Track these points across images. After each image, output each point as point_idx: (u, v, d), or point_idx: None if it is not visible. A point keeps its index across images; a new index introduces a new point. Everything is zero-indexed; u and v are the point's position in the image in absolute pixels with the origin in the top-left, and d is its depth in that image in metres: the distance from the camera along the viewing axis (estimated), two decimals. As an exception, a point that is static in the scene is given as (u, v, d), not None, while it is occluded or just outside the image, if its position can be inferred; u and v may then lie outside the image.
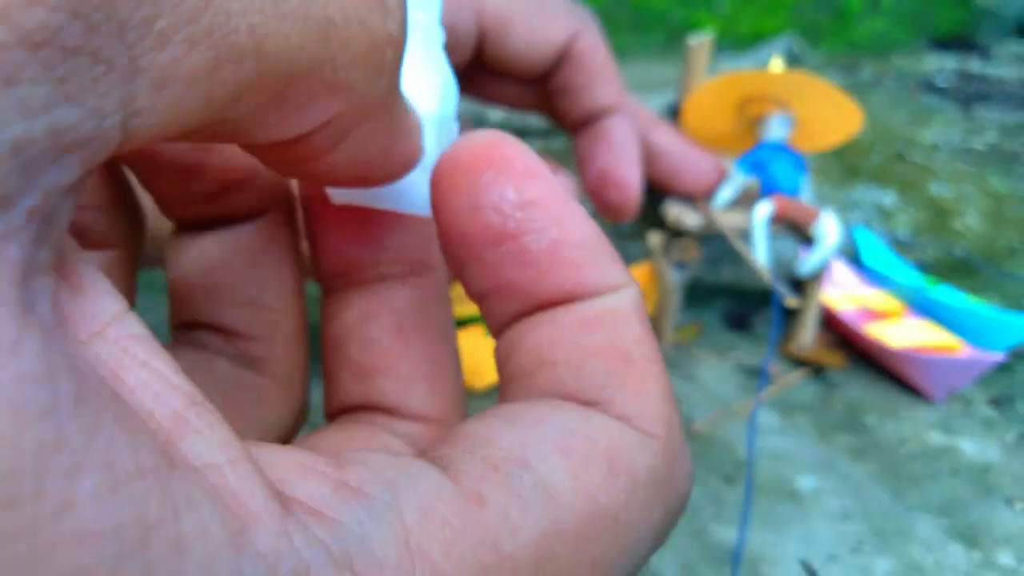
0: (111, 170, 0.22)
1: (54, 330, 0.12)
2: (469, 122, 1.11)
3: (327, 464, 0.17)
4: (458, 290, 1.31)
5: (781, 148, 1.12)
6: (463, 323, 1.23)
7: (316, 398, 0.31)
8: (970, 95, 3.09)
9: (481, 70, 0.55)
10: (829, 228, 1.09)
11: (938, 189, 1.66)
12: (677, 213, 1.13)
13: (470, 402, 1.22)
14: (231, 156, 0.22)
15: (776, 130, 1.11)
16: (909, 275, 1.37)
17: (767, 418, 1.06)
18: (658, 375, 0.21)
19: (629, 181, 0.51)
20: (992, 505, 0.90)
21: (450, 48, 0.30)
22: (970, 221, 1.63)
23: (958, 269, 1.53)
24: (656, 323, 1.21)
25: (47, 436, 0.10)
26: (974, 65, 3.67)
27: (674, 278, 1.17)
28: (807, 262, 1.11)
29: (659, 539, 0.20)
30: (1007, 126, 2.78)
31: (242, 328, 0.23)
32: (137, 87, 0.11)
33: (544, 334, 0.20)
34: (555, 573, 0.17)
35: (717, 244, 1.42)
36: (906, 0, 4.08)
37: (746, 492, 0.84)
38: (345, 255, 0.23)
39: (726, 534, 0.83)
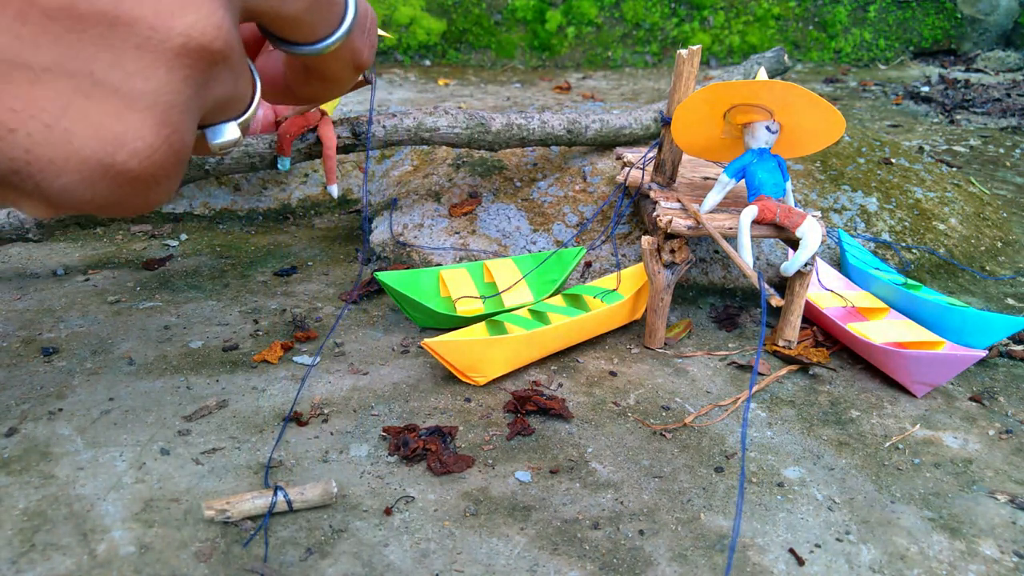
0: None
1: None
2: None
3: None
4: (456, 291, 1.32)
5: (766, 154, 1.15)
6: (463, 323, 1.26)
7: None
8: (953, 102, 3.13)
9: None
10: (812, 230, 1.11)
11: (921, 193, 1.69)
12: (669, 217, 1.16)
13: (472, 398, 1.24)
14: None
15: (761, 137, 1.13)
16: (892, 276, 1.41)
17: (755, 412, 1.08)
18: None
19: None
20: (975, 497, 0.92)
21: None
22: (952, 223, 1.66)
23: (940, 270, 1.58)
24: (648, 322, 1.24)
25: None
26: (957, 73, 3.73)
27: (665, 278, 1.20)
28: (792, 263, 1.14)
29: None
30: (989, 131, 2.82)
31: None
32: None
33: None
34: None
35: (705, 246, 1.46)
36: (891, 11, 4.15)
37: (740, 481, 0.87)
38: None
39: (717, 522, 0.86)
